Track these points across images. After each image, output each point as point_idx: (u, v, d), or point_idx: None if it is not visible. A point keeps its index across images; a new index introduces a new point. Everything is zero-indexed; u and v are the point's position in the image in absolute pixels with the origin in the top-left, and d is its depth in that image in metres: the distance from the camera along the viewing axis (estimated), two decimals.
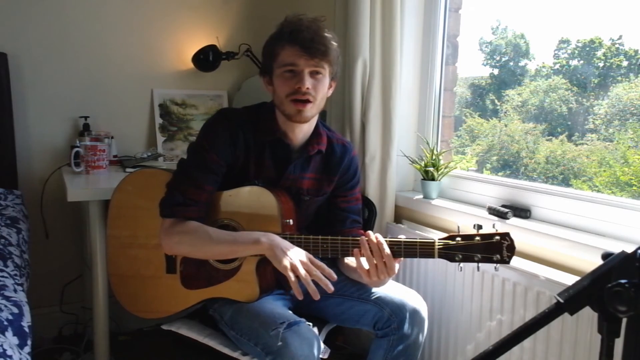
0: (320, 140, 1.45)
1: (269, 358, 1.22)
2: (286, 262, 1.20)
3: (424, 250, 1.25)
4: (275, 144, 1.41)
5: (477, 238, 1.22)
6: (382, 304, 1.39)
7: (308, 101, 1.33)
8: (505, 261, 1.21)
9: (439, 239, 1.24)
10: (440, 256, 1.24)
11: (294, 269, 1.20)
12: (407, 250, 1.26)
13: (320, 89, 1.35)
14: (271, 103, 1.44)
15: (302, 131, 1.42)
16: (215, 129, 1.39)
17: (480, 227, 1.23)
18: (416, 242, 1.25)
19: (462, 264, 1.24)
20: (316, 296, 1.19)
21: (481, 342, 1.55)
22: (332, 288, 1.20)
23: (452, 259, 1.23)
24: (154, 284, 1.45)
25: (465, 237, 1.23)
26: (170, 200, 1.35)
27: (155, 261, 1.45)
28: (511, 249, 1.21)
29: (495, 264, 1.22)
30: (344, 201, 1.52)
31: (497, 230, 1.22)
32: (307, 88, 1.31)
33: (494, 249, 1.21)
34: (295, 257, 1.22)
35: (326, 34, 1.32)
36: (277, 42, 1.34)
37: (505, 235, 1.21)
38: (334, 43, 1.34)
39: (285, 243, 1.26)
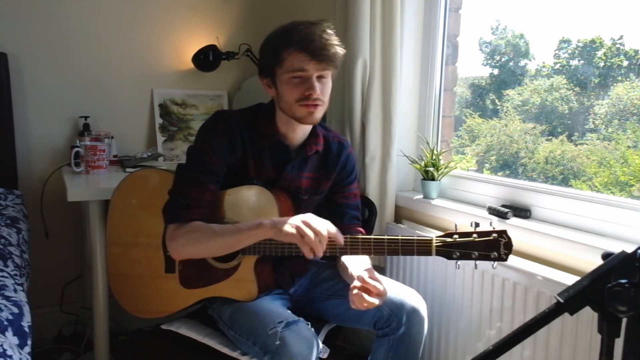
0: (317, 141, 1.45)
1: (267, 357, 1.22)
2: (292, 230, 1.20)
3: (422, 247, 1.25)
4: (274, 146, 1.41)
5: (475, 235, 1.22)
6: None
7: (318, 105, 1.33)
8: (502, 258, 1.22)
9: (437, 237, 1.25)
10: (437, 254, 1.24)
11: (300, 233, 1.19)
12: (404, 248, 1.26)
13: (327, 92, 1.36)
14: (269, 104, 1.43)
15: (302, 131, 1.42)
16: (212, 131, 1.38)
17: (477, 224, 1.24)
18: (414, 239, 1.26)
19: (459, 262, 1.24)
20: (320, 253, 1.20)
21: (481, 342, 1.55)
22: (342, 242, 1.25)
23: (449, 257, 1.24)
24: (153, 284, 1.45)
25: (463, 234, 1.23)
26: (173, 205, 1.34)
27: (154, 261, 1.45)
28: (508, 247, 1.21)
29: (492, 262, 1.22)
30: (341, 197, 1.53)
31: (494, 228, 1.23)
32: (318, 94, 1.31)
33: (492, 246, 1.21)
34: (298, 221, 1.21)
35: (335, 42, 1.31)
36: (283, 47, 1.30)
37: (503, 233, 1.22)
38: (341, 48, 1.33)
39: (287, 218, 1.24)
